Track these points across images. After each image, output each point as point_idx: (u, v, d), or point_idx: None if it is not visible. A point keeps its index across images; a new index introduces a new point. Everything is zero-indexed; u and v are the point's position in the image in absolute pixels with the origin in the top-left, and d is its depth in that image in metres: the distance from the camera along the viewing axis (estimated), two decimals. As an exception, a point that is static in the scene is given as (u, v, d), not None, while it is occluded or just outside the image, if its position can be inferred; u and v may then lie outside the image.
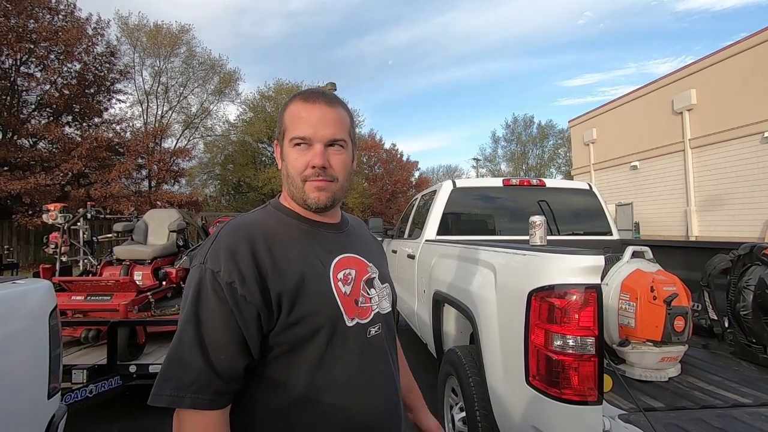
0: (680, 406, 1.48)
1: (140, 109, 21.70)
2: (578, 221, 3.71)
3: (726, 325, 2.09)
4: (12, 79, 14.60)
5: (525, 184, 3.68)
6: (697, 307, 2.23)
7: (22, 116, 15.19)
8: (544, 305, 1.41)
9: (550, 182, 3.77)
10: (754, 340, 1.91)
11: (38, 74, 15.04)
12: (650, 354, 1.72)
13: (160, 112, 22.21)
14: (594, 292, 1.35)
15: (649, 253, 1.97)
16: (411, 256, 3.56)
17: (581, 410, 1.34)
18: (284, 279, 0.76)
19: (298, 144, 0.82)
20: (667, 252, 2.77)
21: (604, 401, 1.36)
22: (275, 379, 0.77)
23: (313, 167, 0.81)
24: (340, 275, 0.83)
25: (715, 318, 2.16)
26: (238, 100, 25.71)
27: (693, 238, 13.71)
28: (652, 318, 1.71)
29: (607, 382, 1.47)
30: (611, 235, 3.64)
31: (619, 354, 1.81)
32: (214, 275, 0.73)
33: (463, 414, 2.02)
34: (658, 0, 53.32)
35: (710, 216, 13.61)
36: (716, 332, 2.15)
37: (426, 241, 3.31)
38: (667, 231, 15.09)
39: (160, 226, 4.84)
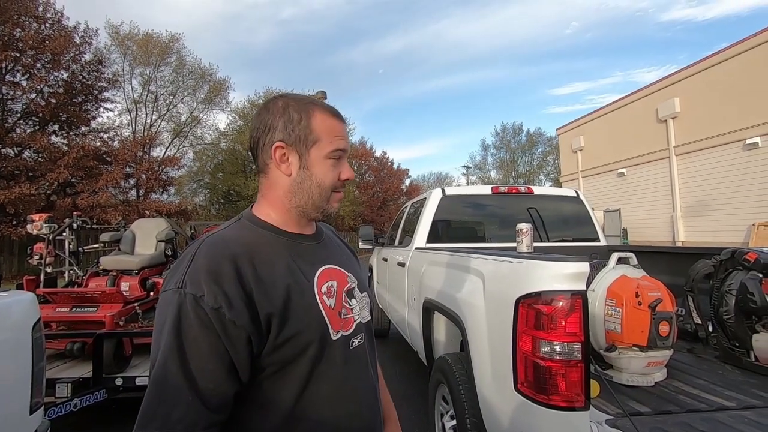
0: (666, 410, 1.49)
1: (129, 117, 21.56)
2: (566, 228, 3.76)
3: (710, 329, 2.13)
4: (-3, 87, 14.43)
5: (513, 191, 3.72)
6: (682, 311, 2.27)
7: (7, 125, 14.97)
8: (531, 312, 1.43)
9: (538, 190, 3.81)
10: (737, 344, 1.95)
11: (24, 83, 14.89)
12: (636, 359, 1.75)
13: (149, 121, 22.09)
14: (579, 298, 1.36)
15: (634, 259, 2.00)
16: (401, 264, 3.56)
17: (569, 416, 1.35)
18: (271, 298, 0.73)
19: (336, 158, 0.84)
20: (652, 258, 2.81)
21: (591, 407, 1.38)
22: (263, 401, 0.74)
23: (346, 179, 0.86)
24: (324, 288, 0.82)
25: (699, 322, 2.19)
26: (228, 109, 25.74)
27: (679, 244, 13.93)
28: (637, 323, 1.73)
29: (595, 387, 1.48)
30: (598, 241, 3.69)
31: (606, 359, 1.83)
32: (196, 300, 0.67)
33: (454, 422, 2.02)
34: (643, 10, 54.74)
35: (696, 221, 13.85)
36: (700, 336, 2.18)
37: (416, 248, 3.32)
38: (654, 236, 15.31)
39: (147, 236, 4.78)
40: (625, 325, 1.74)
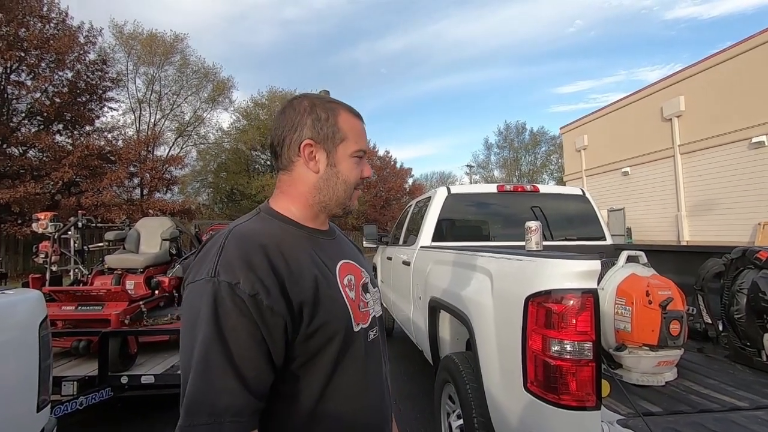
0: (678, 410, 1.48)
1: (133, 117, 21.62)
2: (572, 227, 3.74)
3: (720, 328, 2.11)
4: (2, 87, 14.49)
5: (519, 190, 3.70)
6: (692, 311, 2.25)
7: (11, 124, 15.03)
8: (542, 310, 1.41)
9: (543, 188, 3.79)
10: (748, 344, 1.93)
11: (29, 82, 14.94)
12: (647, 358, 1.73)
13: (152, 120, 22.13)
14: (591, 296, 1.35)
15: (644, 258, 1.98)
16: (406, 263, 3.55)
17: (579, 416, 1.33)
18: (302, 287, 0.74)
19: (359, 157, 0.88)
20: (661, 256, 2.79)
21: (602, 406, 1.36)
22: (289, 393, 0.75)
23: (366, 177, 0.90)
24: (345, 281, 0.84)
25: (710, 322, 2.17)
26: (232, 108, 25.73)
27: (684, 243, 13.84)
28: (648, 322, 1.71)
29: (605, 387, 1.47)
30: (605, 240, 3.66)
31: (616, 359, 1.81)
32: (231, 288, 0.68)
33: (461, 422, 2.01)
34: (647, 9, 54.43)
35: (701, 220, 13.77)
36: (711, 336, 2.16)
37: (421, 247, 3.30)
38: (659, 236, 15.23)
39: (152, 235, 4.79)
40: (635, 324, 1.73)
